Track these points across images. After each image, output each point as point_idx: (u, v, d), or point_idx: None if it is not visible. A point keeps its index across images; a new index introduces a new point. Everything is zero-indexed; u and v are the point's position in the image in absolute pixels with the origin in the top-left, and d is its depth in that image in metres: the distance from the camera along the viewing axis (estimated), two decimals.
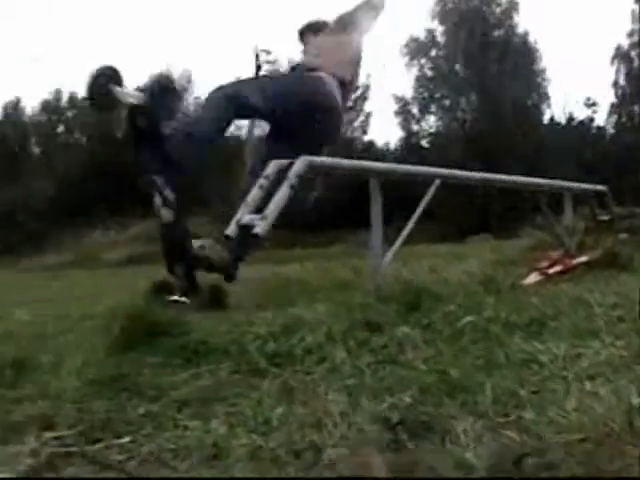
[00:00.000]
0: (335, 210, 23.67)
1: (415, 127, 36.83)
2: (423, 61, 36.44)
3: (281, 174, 3.04)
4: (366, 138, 36.75)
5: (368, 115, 36.95)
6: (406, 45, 36.04)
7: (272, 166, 3.08)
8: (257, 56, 29.36)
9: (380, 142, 37.72)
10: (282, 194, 2.93)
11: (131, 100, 3.81)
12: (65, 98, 66.39)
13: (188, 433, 1.53)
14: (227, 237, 3.03)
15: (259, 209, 2.96)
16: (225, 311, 4.03)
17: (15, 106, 68.96)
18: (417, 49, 36.19)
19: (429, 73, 36.61)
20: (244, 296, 4.55)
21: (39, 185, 32.28)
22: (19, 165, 53.59)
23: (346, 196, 22.57)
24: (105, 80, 3.75)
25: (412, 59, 36.28)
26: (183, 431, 1.55)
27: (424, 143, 36.40)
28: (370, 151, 32.56)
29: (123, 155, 27.65)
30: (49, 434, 1.53)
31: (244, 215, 3.00)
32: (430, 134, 36.49)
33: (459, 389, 1.68)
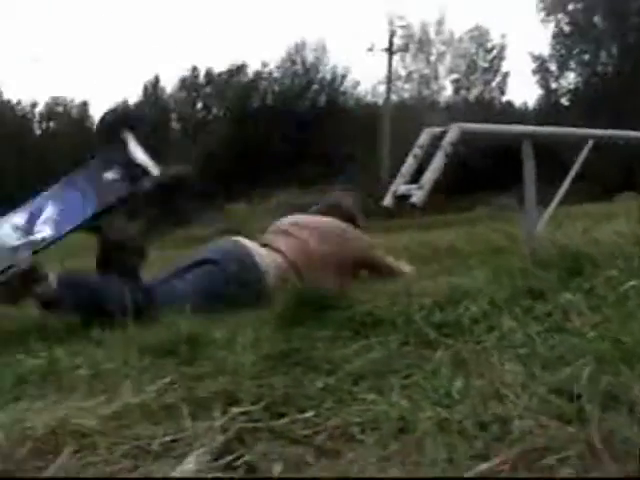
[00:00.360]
0: (471, 174, 23.25)
1: (554, 85, 35.69)
2: (560, 16, 35.12)
3: (434, 142, 3.01)
4: (504, 98, 36.00)
5: (505, 75, 36.16)
6: (541, 0, 34.86)
7: (425, 134, 3.06)
8: (391, 22, 29.18)
9: (518, 102, 36.86)
10: (437, 162, 2.90)
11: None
12: (202, 74, 68.23)
13: (371, 406, 1.55)
14: (386, 208, 3.03)
15: (414, 179, 2.95)
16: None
17: (154, 85, 71.51)
18: (553, 4, 34.90)
19: (566, 28, 35.27)
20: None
21: (182, 162, 33.38)
22: (161, 142, 55.42)
23: (481, 160, 22.17)
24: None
25: (548, 15, 35.06)
26: (365, 404, 1.57)
27: (564, 101, 35.20)
28: (508, 112, 31.78)
29: (259, 128, 28.29)
30: (235, 409, 1.57)
31: (399, 185, 2.98)
32: (569, 91, 35.26)
33: (636, 357, 1.61)
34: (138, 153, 3.49)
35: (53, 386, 1.90)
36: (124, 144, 3.51)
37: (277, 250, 3.62)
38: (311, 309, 2.40)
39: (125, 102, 71.09)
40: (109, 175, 3.47)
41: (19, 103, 74.82)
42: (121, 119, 3.72)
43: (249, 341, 2.15)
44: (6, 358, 2.41)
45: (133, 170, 3.49)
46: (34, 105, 77.03)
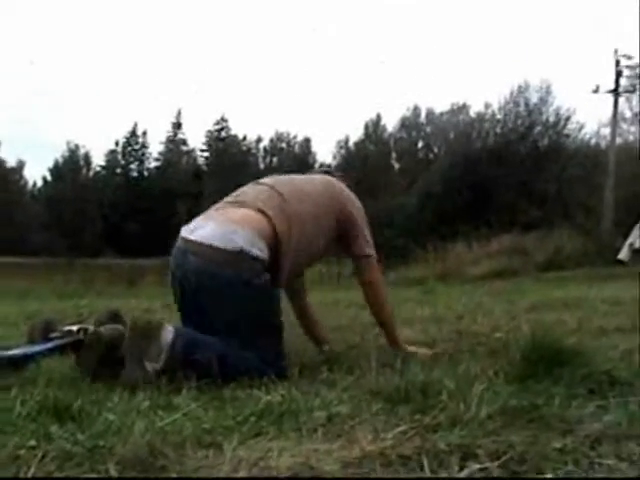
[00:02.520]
0: None
1: None
2: None
3: None
4: None
5: None
6: None
7: None
8: (617, 62, 28.07)
9: None
10: None
11: None
12: (423, 114, 68.80)
13: (611, 475, 1.50)
14: (619, 261, 2.92)
15: None
16: (608, 335, 3.91)
17: (376, 123, 72.99)
18: None
19: None
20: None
21: (401, 200, 33.74)
22: (381, 181, 56.38)
23: None
24: None
25: None
26: (605, 471, 1.53)
27: None
28: None
29: (482, 169, 28.08)
30: (473, 465, 1.56)
31: (637, 239, 2.88)
32: None
33: None
34: None
35: (290, 425, 1.95)
36: None
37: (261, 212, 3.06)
38: (545, 364, 2.36)
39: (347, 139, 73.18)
40: None
41: (245, 138, 79.27)
42: None
43: (478, 392, 2.12)
44: (245, 391, 2.52)
45: None
46: (259, 140, 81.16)
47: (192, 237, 2.96)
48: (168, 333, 2.71)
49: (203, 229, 2.97)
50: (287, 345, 3.18)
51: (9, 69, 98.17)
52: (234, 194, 3.31)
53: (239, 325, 2.87)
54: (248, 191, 3.28)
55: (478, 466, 1.57)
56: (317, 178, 3.56)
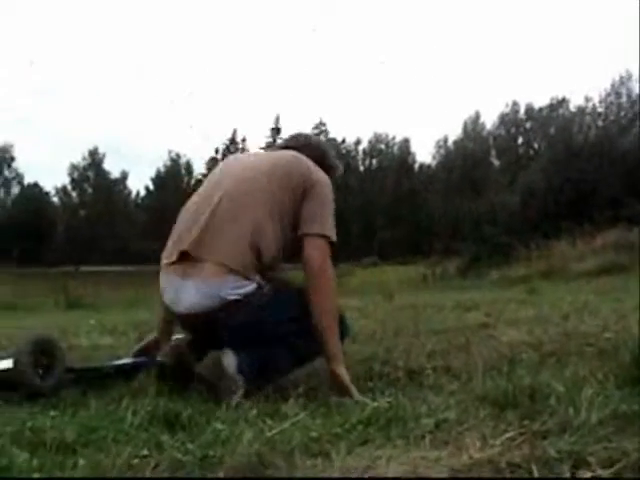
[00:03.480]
0: None
1: None
2: None
3: None
4: None
5: None
6: None
7: None
8: None
9: None
10: None
11: None
12: (522, 110, 67.64)
13: None
14: None
15: None
16: None
17: (475, 121, 72.12)
18: None
19: None
20: None
21: (502, 197, 33.18)
22: (482, 178, 55.68)
23: None
24: None
25: None
26: None
27: None
28: None
29: (584, 164, 27.32)
30: (585, 473, 1.52)
31: None
32: None
33: None
34: None
35: (397, 432, 1.94)
36: None
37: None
38: None
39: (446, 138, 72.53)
40: None
41: (344, 141, 79.35)
42: None
43: (588, 396, 2.06)
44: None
45: None
46: (358, 142, 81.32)
47: (176, 310, 2.85)
48: (230, 359, 2.64)
49: (182, 298, 2.80)
50: (392, 349, 3.17)
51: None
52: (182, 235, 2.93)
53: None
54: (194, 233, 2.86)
55: (590, 474, 1.52)
56: (278, 164, 3.00)
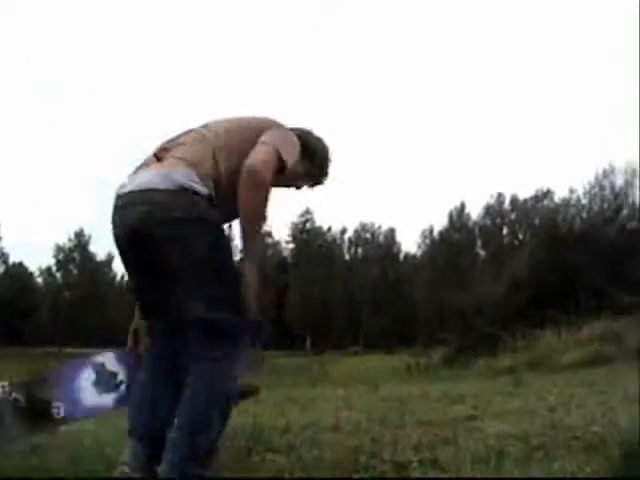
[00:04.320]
0: None
1: None
2: None
3: None
4: None
5: None
6: None
7: None
8: None
9: None
10: None
11: None
12: (507, 201, 68.63)
13: None
14: None
15: None
16: None
17: (460, 211, 72.97)
18: None
19: None
20: None
21: (488, 287, 33.29)
22: (468, 268, 56.03)
23: None
24: None
25: None
26: None
27: None
28: None
29: (569, 254, 27.66)
30: None
31: None
32: None
33: None
34: None
35: None
36: None
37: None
38: None
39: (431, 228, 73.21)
40: None
41: (329, 229, 79.84)
42: None
43: None
44: None
45: None
46: (343, 231, 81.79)
47: (128, 189, 2.69)
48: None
49: (137, 179, 2.69)
50: (378, 440, 3.12)
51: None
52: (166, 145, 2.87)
53: (201, 274, 2.56)
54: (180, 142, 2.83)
55: None
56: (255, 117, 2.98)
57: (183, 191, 2.56)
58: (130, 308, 3.03)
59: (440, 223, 71.86)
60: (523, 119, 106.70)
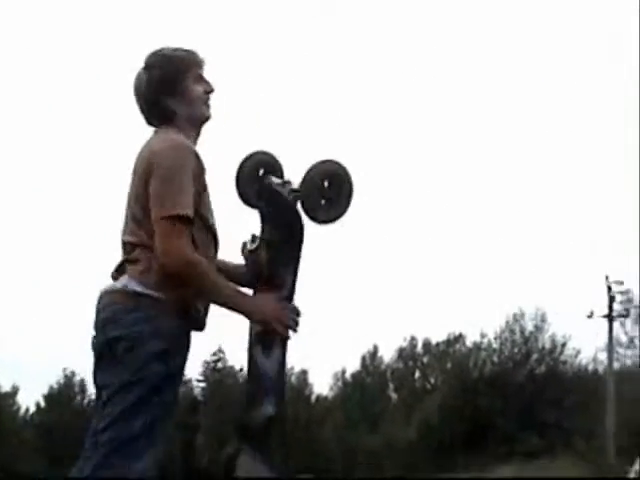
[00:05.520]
0: None
1: None
2: None
3: None
4: None
5: None
6: None
7: None
8: (609, 288, 28.78)
9: None
10: None
11: None
12: (420, 344, 69.25)
13: None
14: None
15: None
16: None
17: (373, 354, 73.05)
18: None
19: None
20: None
21: (399, 431, 32.95)
22: (379, 412, 55.55)
23: None
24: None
25: None
26: None
27: None
28: None
29: (480, 398, 27.72)
30: None
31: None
32: None
33: None
34: None
35: None
36: None
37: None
38: None
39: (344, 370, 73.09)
40: None
41: (242, 369, 78.04)
42: None
43: None
44: None
45: None
46: None
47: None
48: None
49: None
50: None
51: None
52: None
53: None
54: None
55: None
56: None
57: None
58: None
59: (353, 365, 71.51)
60: (433, 264, 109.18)
